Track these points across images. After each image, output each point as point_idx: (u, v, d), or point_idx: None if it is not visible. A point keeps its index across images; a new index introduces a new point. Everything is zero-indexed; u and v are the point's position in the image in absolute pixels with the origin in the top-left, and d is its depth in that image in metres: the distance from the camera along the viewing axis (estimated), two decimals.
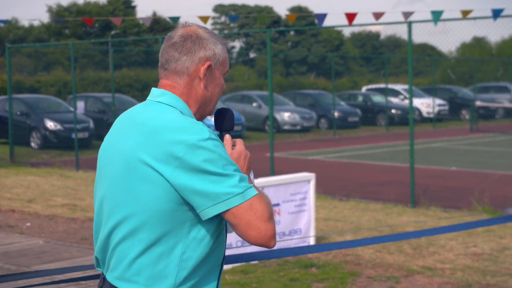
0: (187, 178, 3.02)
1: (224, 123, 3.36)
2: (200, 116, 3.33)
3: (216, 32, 3.38)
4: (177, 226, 3.11)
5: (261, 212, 3.04)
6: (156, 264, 3.13)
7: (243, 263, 9.59)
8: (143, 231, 3.12)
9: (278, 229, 10.69)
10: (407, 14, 14.64)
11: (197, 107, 3.30)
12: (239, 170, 3.11)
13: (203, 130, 3.06)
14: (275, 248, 3.45)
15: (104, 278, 3.28)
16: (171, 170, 3.03)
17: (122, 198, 3.17)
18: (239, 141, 3.31)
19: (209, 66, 3.25)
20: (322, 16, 16.47)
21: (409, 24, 15.50)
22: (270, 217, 3.08)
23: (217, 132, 3.34)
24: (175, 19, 18.02)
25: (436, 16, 14.23)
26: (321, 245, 10.05)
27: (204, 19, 17.01)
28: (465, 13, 13.90)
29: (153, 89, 3.34)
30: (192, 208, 3.07)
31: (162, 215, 3.09)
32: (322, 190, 16.02)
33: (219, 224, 3.19)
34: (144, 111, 3.25)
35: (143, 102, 3.34)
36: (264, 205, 3.07)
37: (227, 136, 3.29)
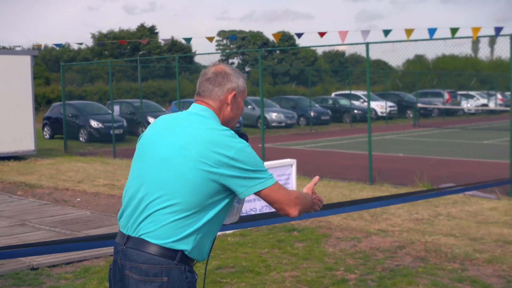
0: (236, 170, 3.31)
1: None
2: (228, 127, 3.55)
3: (237, 69, 3.61)
4: (208, 205, 3.34)
5: (286, 191, 3.39)
6: (188, 228, 3.31)
7: (241, 229, 9.63)
8: (180, 206, 3.30)
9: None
10: (365, 34, 14.64)
11: (224, 123, 3.52)
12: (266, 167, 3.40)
13: (242, 140, 3.39)
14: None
15: (129, 236, 3.40)
16: (224, 168, 3.30)
17: (168, 177, 3.34)
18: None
19: (235, 95, 3.52)
20: (300, 34, 16.54)
21: (367, 44, 15.56)
22: (293, 195, 3.44)
23: None
24: (188, 40, 18.03)
25: (386, 32, 14.29)
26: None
27: (210, 39, 17.03)
28: (409, 32, 13.91)
29: (195, 105, 3.56)
30: (223, 193, 3.35)
31: (203, 196, 3.33)
32: (302, 172, 16.05)
33: (227, 206, 3.44)
34: (190, 118, 3.47)
35: (186, 111, 3.54)
36: (283, 188, 3.39)
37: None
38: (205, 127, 3.36)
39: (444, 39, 15.39)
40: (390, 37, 14.88)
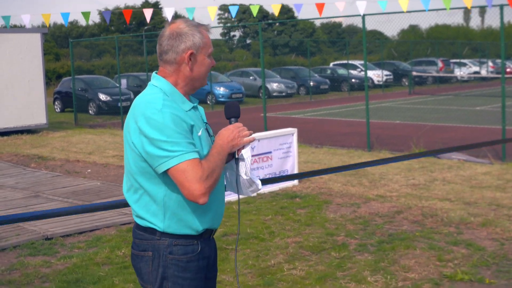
0: (144, 144, 3.05)
1: (231, 112, 3.37)
2: (192, 89, 3.30)
3: (197, 22, 3.29)
4: (154, 179, 3.14)
5: (191, 174, 2.99)
6: (149, 206, 3.19)
7: (245, 196, 9.62)
8: (133, 185, 3.21)
9: (271, 170, 10.72)
10: (361, 6, 14.45)
11: (186, 84, 3.24)
12: (185, 138, 3.04)
13: (157, 104, 3.06)
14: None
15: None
16: (136, 138, 3.09)
17: (124, 161, 3.27)
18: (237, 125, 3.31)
19: (191, 54, 3.21)
20: (298, 6, 16.36)
21: (363, 16, 15.44)
22: (200, 179, 2.99)
23: (233, 119, 3.37)
24: (191, 10, 17.84)
25: (382, 4, 14.12)
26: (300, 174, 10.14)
27: (212, 10, 16.86)
28: (404, 3, 13.76)
29: (153, 74, 3.34)
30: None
31: (142, 172, 3.14)
32: (303, 140, 16.02)
33: None
34: (145, 91, 3.28)
35: (149, 83, 3.35)
36: (197, 168, 3.00)
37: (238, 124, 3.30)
38: (140, 97, 3.22)
39: (438, 10, 15.25)
40: (386, 9, 14.73)
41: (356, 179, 11.45)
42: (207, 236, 3.29)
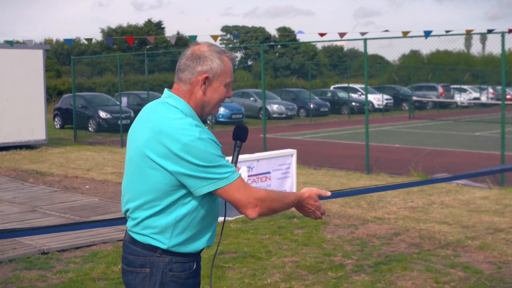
0: (184, 168, 3.04)
1: (240, 136, 3.45)
2: (201, 113, 3.28)
3: (223, 49, 3.28)
4: (173, 201, 3.13)
5: (246, 190, 3.10)
6: (159, 223, 3.17)
7: (243, 215, 9.61)
8: (155, 202, 3.16)
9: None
10: (363, 33, 14.55)
11: (197, 106, 3.24)
12: (225, 159, 3.09)
13: (194, 131, 3.04)
14: None
15: (126, 231, 3.35)
16: (170, 163, 3.05)
17: (134, 178, 3.21)
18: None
19: (207, 78, 3.20)
20: (301, 33, 16.45)
21: (365, 40, 15.51)
22: (254, 194, 3.11)
23: (239, 142, 3.48)
24: (193, 38, 17.92)
25: (384, 31, 14.21)
26: None
27: (214, 37, 16.92)
28: (405, 33, 13.86)
29: (165, 90, 3.32)
30: (184, 188, 3.10)
31: (163, 193, 3.12)
32: (301, 162, 16.03)
33: (205, 201, 3.18)
34: (155, 110, 3.23)
35: (157, 100, 3.31)
36: (247, 185, 3.11)
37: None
38: (160, 116, 3.15)
39: (439, 35, 15.32)
40: (387, 33, 14.81)
41: (354, 200, 11.44)
42: (199, 253, 3.34)
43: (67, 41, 15.14)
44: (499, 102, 42.16)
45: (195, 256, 3.28)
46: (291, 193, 3.33)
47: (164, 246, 3.17)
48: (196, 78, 3.20)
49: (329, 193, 3.53)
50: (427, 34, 13.15)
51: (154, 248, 3.18)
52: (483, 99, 50.13)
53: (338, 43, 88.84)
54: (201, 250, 3.31)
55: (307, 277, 7.04)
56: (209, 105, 3.25)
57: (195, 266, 3.27)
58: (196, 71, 3.20)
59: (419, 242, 8.52)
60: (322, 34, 14.73)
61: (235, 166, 3.39)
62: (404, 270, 7.22)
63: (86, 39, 15.92)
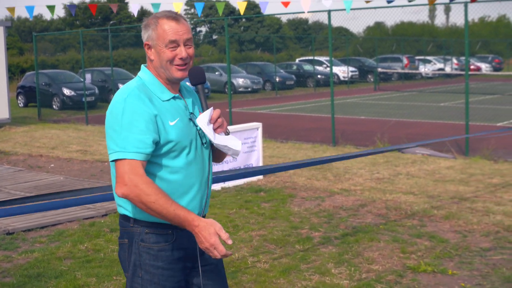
0: (106, 130, 3.15)
1: (198, 79, 3.30)
2: (165, 78, 3.24)
3: (166, 12, 3.26)
4: None
5: (122, 173, 2.99)
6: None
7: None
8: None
9: (236, 164, 10.69)
10: (327, 2, 14.43)
11: (156, 72, 3.24)
12: (137, 133, 3.01)
13: (123, 94, 3.11)
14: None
15: None
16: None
17: None
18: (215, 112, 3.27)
19: (147, 45, 3.25)
20: (264, 4, 16.30)
21: (329, 12, 15.49)
22: (127, 181, 2.96)
23: (193, 87, 3.37)
24: (157, 6, 17.68)
25: (348, 5, 14.12)
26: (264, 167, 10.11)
27: (178, 5, 16.68)
28: (367, 2, 13.81)
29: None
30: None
31: None
32: (268, 135, 16.03)
33: (158, 170, 3.14)
34: None
35: None
36: (131, 171, 2.97)
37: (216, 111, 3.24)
38: None
39: (403, 6, 15.35)
40: (351, 6, 14.75)
41: (320, 173, 11.47)
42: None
43: (28, 8, 14.80)
44: (463, 72, 42.55)
45: (176, 228, 3.16)
46: (183, 209, 3.00)
47: (131, 215, 3.17)
48: (144, 46, 3.27)
49: (230, 242, 2.96)
50: (391, 1, 13.12)
51: (127, 218, 3.20)
52: (447, 69, 50.50)
53: (303, 16, 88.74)
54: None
55: (274, 250, 7.05)
56: (163, 68, 3.21)
57: (174, 239, 3.18)
58: (143, 40, 3.26)
59: (385, 213, 8.57)
60: (285, 4, 14.64)
61: (206, 109, 3.25)
62: (371, 241, 7.26)
63: (48, 7, 15.53)
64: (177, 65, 3.20)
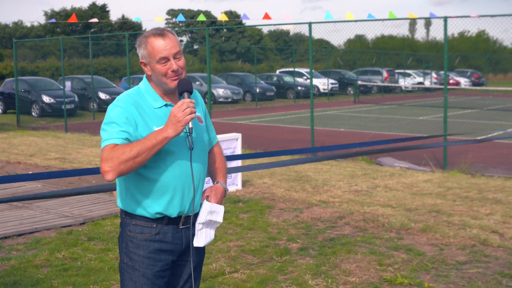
0: None
1: (186, 88, 3.52)
2: (163, 89, 3.56)
3: (154, 30, 3.56)
4: None
5: (103, 155, 3.32)
6: (118, 187, 3.66)
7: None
8: None
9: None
10: (310, 15, 14.52)
11: (155, 84, 3.58)
12: (118, 127, 3.38)
13: (117, 99, 3.51)
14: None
15: None
16: None
17: None
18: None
19: (142, 63, 3.58)
20: (246, 16, 16.38)
21: (310, 24, 15.56)
22: (104, 159, 3.29)
23: (186, 94, 3.56)
24: (138, 19, 17.73)
25: (328, 16, 14.22)
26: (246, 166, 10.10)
27: (159, 19, 16.72)
28: (349, 16, 13.93)
29: None
30: None
31: None
32: (247, 146, 16.05)
33: (145, 166, 3.44)
34: None
35: None
36: (107, 151, 3.31)
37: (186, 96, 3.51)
38: None
39: (383, 20, 15.46)
40: (332, 17, 14.85)
41: (299, 184, 11.51)
42: (172, 223, 3.56)
43: (10, 22, 14.73)
44: (442, 86, 42.83)
45: (160, 223, 3.53)
46: (154, 133, 3.34)
47: (123, 207, 3.59)
48: (141, 64, 3.60)
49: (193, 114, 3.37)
50: (372, 17, 13.23)
51: (122, 210, 3.62)
52: (427, 83, 50.84)
53: (285, 28, 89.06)
54: (166, 217, 3.53)
55: (252, 261, 7.06)
56: (159, 82, 3.53)
57: (157, 232, 3.53)
58: (139, 59, 3.60)
59: (363, 225, 8.61)
60: (267, 17, 14.71)
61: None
62: (348, 253, 7.29)
63: (30, 22, 15.51)
64: (171, 77, 3.51)
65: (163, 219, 3.53)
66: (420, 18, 14.32)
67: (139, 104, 3.47)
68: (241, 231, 8.33)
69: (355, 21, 15.11)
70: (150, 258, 3.52)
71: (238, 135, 11.35)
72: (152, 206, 3.50)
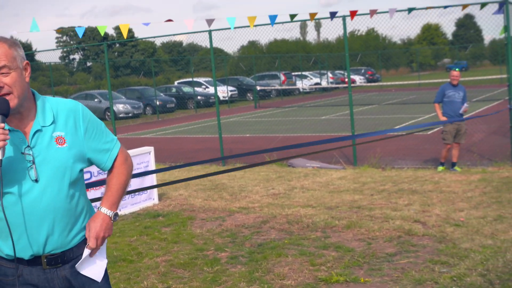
0: None
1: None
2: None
3: None
4: None
5: None
6: None
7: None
8: None
9: (130, 189, 10.45)
10: (209, 22, 14.41)
11: None
12: None
13: None
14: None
15: None
16: None
17: None
18: None
19: None
20: (141, 27, 16.13)
21: (210, 32, 15.51)
22: None
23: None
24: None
25: (231, 21, 14.16)
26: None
27: (58, 31, 16.25)
28: (251, 19, 13.92)
29: None
30: None
31: None
32: (156, 159, 15.76)
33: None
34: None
35: None
36: None
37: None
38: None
39: (283, 22, 15.57)
40: (226, 25, 14.83)
41: (216, 193, 11.41)
42: (33, 264, 3.08)
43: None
44: (339, 85, 43.64)
45: (21, 263, 3.06)
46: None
47: None
48: None
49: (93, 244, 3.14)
50: (273, 19, 13.28)
51: None
52: (324, 83, 51.71)
53: (177, 38, 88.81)
54: (22, 259, 3.07)
55: (183, 274, 6.90)
56: None
57: (17, 273, 3.06)
58: None
59: (288, 228, 8.58)
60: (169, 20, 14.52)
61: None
62: (279, 257, 7.24)
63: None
64: None
65: (21, 261, 3.06)
66: (321, 18, 14.50)
67: None
68: (167, 245, 8.15)
69: (257, 25, 15.14)
70: None
71: (151, 149, 11.15)
72: (3, 247, 3.06)
